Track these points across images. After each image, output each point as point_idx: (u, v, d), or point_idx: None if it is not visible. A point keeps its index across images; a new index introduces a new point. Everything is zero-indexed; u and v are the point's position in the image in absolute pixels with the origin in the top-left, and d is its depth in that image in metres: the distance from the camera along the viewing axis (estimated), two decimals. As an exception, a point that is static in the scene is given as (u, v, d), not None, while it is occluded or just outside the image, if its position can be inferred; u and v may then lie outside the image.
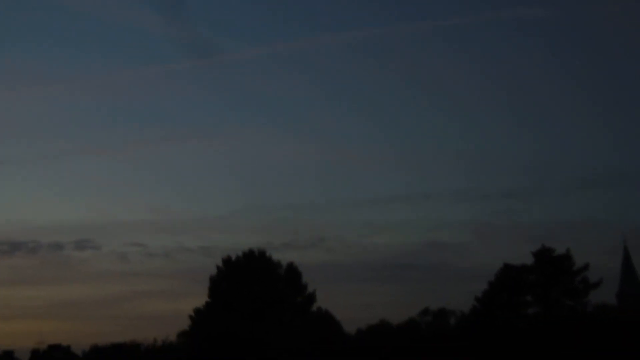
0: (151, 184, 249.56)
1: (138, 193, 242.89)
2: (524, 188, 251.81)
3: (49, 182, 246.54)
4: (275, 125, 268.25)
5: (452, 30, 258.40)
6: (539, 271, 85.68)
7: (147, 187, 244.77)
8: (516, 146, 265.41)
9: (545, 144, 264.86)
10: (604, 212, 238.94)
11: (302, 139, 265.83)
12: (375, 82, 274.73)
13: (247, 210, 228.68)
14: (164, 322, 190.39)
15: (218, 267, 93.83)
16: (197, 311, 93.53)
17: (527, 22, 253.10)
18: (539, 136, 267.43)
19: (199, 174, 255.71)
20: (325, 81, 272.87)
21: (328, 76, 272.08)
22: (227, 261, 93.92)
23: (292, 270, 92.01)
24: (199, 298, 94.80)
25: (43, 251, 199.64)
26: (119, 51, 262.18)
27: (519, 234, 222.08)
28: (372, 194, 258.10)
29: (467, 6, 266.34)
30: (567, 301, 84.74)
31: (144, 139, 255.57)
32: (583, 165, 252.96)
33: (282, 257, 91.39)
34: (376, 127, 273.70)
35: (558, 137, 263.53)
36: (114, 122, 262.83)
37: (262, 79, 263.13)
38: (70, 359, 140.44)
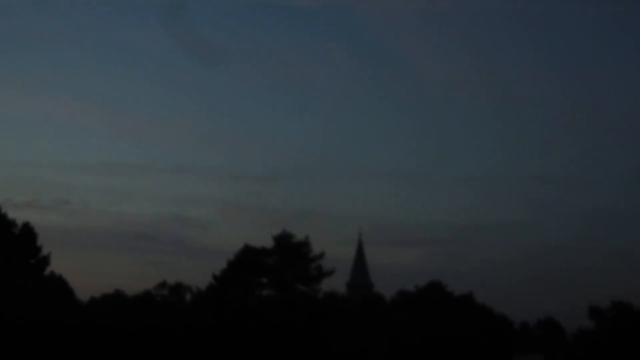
0: None
1: None
2: (273, 173, 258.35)
3: None
4: (24, 76, 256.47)
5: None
6: (277, 255, 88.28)
7: None
8: (272, 130, 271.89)
9: (302, 131, 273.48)
10: (344, 204, 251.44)
11: (54, 94, 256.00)
12: (151, 48, 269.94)
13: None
14: None
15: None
16: None
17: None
18: (299, 123, 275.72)
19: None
20: (82, 38, 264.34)
21: (96, 33, 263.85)
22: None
23: (27, 231, 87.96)
24: None
25: None
26: None
27: (264, 217, 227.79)
28: (122, 160, 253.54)
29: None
30: (301, 286, 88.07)
31: None
32: (332, 155, 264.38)
33: (21, 216, 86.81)
34: (139, 93, 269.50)
35: (316, 127, 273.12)
36: None
37: (27, 30, 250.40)
38: None
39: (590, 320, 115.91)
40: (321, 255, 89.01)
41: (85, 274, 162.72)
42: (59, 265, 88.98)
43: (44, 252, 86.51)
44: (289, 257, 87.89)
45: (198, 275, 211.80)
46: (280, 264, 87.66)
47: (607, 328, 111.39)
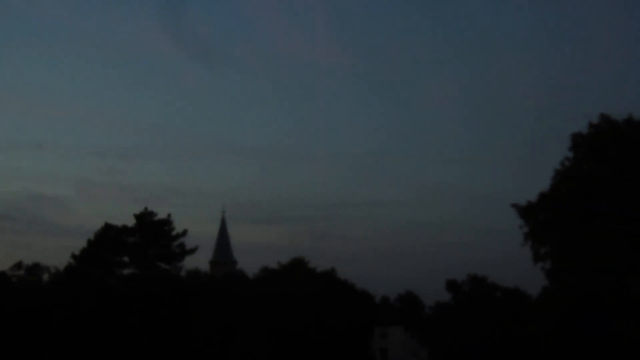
0: None
1: None
2: (134, 150, 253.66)
3: None
4: None
5: None
6: (139, 234, 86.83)
7: None
8: (133, 107, 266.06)
9: (164, 108, 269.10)
10: (208, 182, 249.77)
11: None
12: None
13: None
14: None
15: None
16: None
17: None
18: (161, 99, 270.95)
19: None
20: None
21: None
22: None
23: None
24: None
25: None
26: None
27: (126, 195, 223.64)
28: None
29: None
30: (163, 264, 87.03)
31: None
32: (194, 133, 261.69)
33: None
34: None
35: (177, 103, 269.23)
36: None
37: None
38: None
39: (447, 293, 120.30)
40: (184, 233, 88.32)
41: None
42: None
43: None
44: (151, 235, 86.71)
45: (57, 255, 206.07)
46: (141, 242, 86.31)
47: (463, 300, 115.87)
